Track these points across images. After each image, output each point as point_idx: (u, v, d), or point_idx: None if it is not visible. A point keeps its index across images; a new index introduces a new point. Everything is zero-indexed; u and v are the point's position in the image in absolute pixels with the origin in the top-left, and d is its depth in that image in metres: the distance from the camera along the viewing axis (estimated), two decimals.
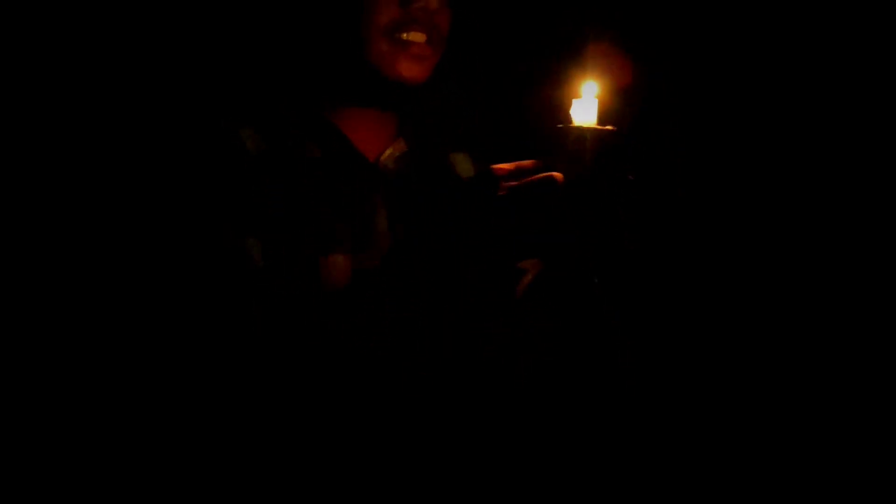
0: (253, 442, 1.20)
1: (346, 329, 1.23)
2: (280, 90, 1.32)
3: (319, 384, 1.22)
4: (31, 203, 1.35)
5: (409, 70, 1.28)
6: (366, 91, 1.32)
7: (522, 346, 1.30)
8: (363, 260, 1.28)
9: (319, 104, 1.33)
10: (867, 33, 1.68)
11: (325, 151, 1.31)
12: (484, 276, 1.26)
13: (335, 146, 1.32)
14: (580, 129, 1.20)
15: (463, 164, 1.39)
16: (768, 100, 1.71)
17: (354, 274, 1.27)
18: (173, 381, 1.20)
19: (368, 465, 1.23)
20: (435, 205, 1.34)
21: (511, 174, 1.21)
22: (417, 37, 1.27)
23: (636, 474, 1.45)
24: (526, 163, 1.21)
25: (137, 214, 1.22)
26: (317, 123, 1.33)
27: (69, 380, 1.24)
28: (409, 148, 1.38)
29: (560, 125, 1.21)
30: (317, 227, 1.27)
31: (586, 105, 1.21)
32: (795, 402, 1.65)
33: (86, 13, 1.50)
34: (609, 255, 1.20)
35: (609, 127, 1.20)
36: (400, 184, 1.35)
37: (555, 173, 1.17)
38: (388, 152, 1.36)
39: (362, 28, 1.26)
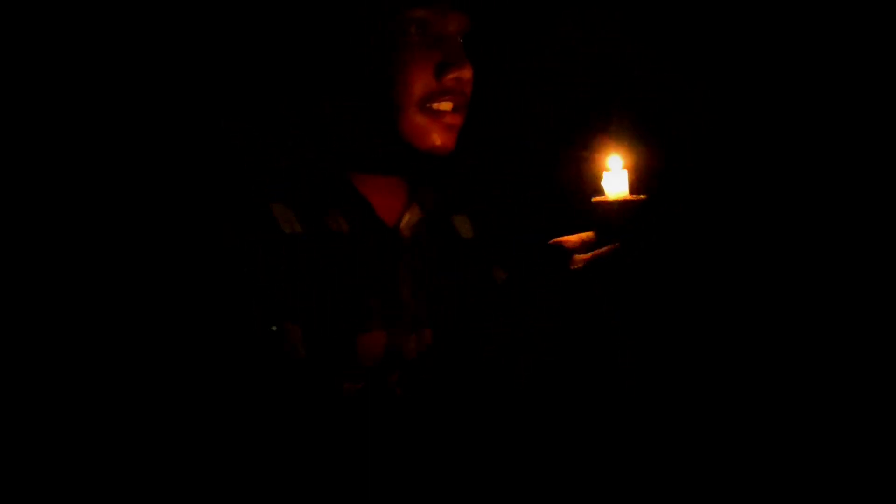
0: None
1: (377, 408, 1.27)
2: (308, 156, 1.30)
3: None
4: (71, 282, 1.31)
5: (442, 139, 1.28)
6: (395, 160, 1.30)
7: (522, 345, 1.32)
8: (396, 334, 1.29)
9: (344, 169, 1.31)
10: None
11: (352, 222, 1.30)
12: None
13: (360, 216, 1.31)
14: (613, 201, 1.26)
15: (464, 226, 1.41)
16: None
17: (388, 349, 1.28)
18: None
19: (370, 465, 1.25)
20: (451, 271, 1.36)
21: (580, 247, 1.27)
22: (447, 105, 1.27)
23: (635, 473, 1.47)
24: (588, 235, 1.27)
25: (176, 305, 1.20)
26: (343, 190, 1.31)
27: None
28: (424, 214, 1.37)
29: (594, 198, 1.28)
30: (353, 305, 1.26)
31: (616, 177, 1.27)
32: (794, 401, 1.65)
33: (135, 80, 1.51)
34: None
35: (640, 196, 1.26)
36: (417, 250, 1.35)
37: (616, 244, 1.24)
38: (406, 219, 1.35)
39: (395, 98, 1.25)
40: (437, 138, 1.27)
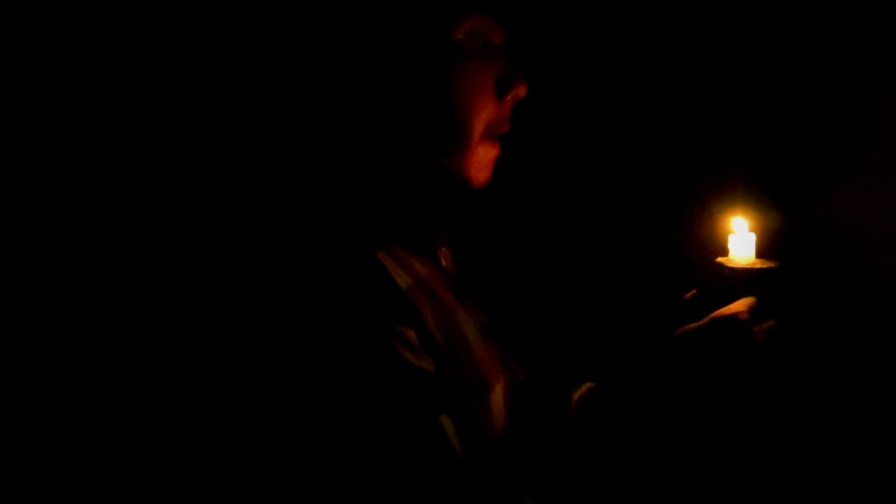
0: None
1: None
2: (388, 197, 1.14)
3: None
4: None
5: (490, 173, 1.15)
6: (457, 192, 1.16)
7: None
8: (508, 387, 1.15)
9: (421, 211, 1.17)
10: None
11: (433, 265, 1.15)
12: None
13: (434, 257, 1.17)
14: (739, 267, 1.20)
15: (448, 259, 1.23)
16: None
17: (507, 402, 1.13)
18: None
19: None
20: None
21: (750, 318, 1.16)
22: (503, 130, 1.15)
23: None
24: (751, 301, 1.17)
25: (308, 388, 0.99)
26: (425, 232, 1.16)
27: None
28: (451, 247, 1.24)
29: (718, 258, 1.22)
30: (475, 360, 1.11)
31: (743, 240, 1.22)
32: None
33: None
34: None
35: (770, 264, 1.20)
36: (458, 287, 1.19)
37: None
38: (446, 255, 1.21)
39: (460, 127, 1.11)
40: (489, 171, 1.14)
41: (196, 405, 1.05)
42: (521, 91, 1.13)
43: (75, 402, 1.42)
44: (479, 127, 1.11)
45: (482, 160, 1.13)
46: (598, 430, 1.24)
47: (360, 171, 1.13)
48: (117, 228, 1.47)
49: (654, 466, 1.26)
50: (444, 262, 1.18)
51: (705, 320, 1.16)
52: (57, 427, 1.41)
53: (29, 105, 1.46)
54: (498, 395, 1.12)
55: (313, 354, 0.97)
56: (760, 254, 1.22)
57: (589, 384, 1.31)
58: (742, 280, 1.19)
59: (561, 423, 1.28)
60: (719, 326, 1.15)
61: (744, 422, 1.21)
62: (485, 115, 1.11)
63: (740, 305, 1.16)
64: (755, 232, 1.22)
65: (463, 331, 1.11)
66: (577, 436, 1.26)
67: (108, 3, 1.48)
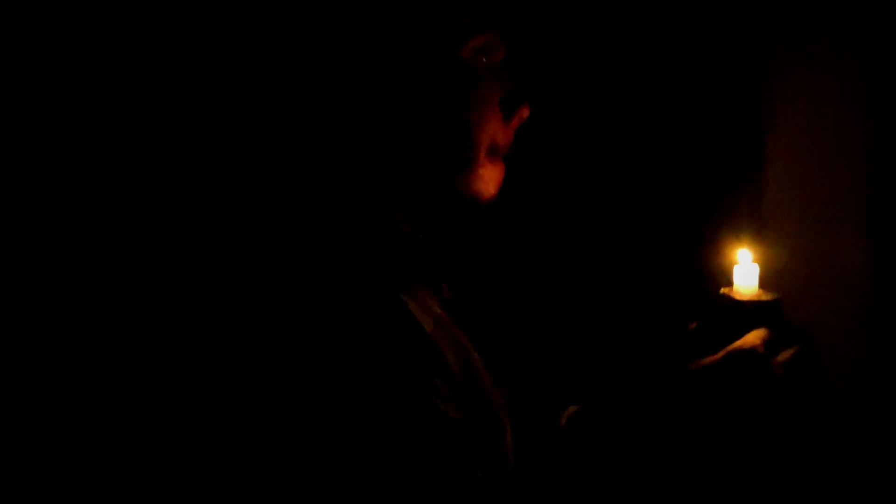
0: None
1: None
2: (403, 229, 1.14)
3: None
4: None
5: (494, 189, 1.16)
6: (466, 212, 1.16)
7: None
8: (512, 423, 1.16)
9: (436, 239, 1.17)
10: None
11: (441, 297, 1.15)
12: None
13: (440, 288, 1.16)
14: (742, 299, 1.22)
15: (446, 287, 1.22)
16: None
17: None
18: None
19: None
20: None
21: (767, 351, 1.15)
22: (507, 149, 1.16)
23: None
24: (764, 333, 1.17)
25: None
26: (434, 267, 1.17)
27: None
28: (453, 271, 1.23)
29: (722, 291, 1.24)
30: (492, 402, 1.11)
31: (747, 272, 1.23)
32: None
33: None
34: None
35: (774, 295, 1.22)
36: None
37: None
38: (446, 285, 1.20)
39: (470, 145, 1.11)
40: (496, 187, 1.15)
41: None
42: (525, 113, 1.15)
43: (75, 402, 1.42)
44: (484, 145, 1.12)
45: (488, 177, 1.14)
46: (594, 452, 1.23)
47: (373, 195, 1.12)
48: (121, 231, 1.46)
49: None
50: (445, 294, 1.18)
51: (722, 354, 1.16)
52: (57, 427, 1.41)
53: (29, 105, 1.46)
54: (509, 434, 1.13)
55: (352, 415, 0.95)
56: (763, 285, 1.23)
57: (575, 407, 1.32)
58: (747, 312, 1.21)
59: (553, 444, 1.29)
60: (738, 360, 1.14)
61: (762, 453, 1.21)
62: (490, 133, 1.12)
63: (755, 339, 1.15)
64: (758, 263, 1.23)
65: (479, 372, 1.11)
66: (572, 456, 1.26)
67: (108, 3, 1.48)
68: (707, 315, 1.25)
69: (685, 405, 1.15)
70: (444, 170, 1.12)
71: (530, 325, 1.72)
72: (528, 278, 1.81)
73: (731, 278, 1.24)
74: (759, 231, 1.35)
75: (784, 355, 1.15)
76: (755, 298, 1.22)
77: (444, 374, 1.03)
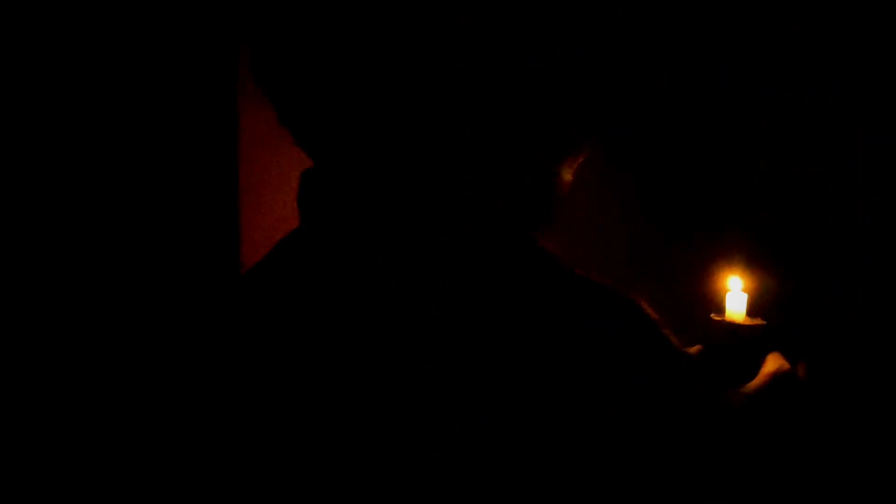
0: None
1: None
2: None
3: None
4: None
5: None
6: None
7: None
8: None
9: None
10: None
11: None
12: None
13: None
14: (730, 324, 1.26)
15: None
16: None
17: None
18: None
19: None
20: None
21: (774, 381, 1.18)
22: None
23: None
24: (779, 357, 1.21)
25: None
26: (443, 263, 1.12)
27: None
28: None
29: (713, 315, 1.28)
30: None
31: (736, 299, 1.27)
32: None
33: None
34: None
35: (758, 321, 1.26)
36: None
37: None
38: None
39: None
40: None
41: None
42: None
43: (75, 402, 1.44)
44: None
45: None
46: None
47: (373, 196, 1.07)
48: (122, 231, 1.50)
49: None
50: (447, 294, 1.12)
51: (762, 379, 1.17)
52: (56, 427, 1.43)
53: (29, 105, 1.49)
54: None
55: (352, 415, 0.96)
56: (750, 312, 1.27)
57: None
58: (738, 337, 1.25)
59: None
60: (782, 382, 1.17)
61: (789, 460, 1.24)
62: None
63: (782, 360, 1.19)
64: (747, 292, 1.27)
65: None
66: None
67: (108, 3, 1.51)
68: (697, 341, 1.29)
69: (745, 431, 1.14)
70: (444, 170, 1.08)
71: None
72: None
73: (723, 304, 1.28)
74: (749, 258, 1.37)
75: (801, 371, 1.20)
76: (749, 323, 1.26)
77: (445, 374, 1.02)
